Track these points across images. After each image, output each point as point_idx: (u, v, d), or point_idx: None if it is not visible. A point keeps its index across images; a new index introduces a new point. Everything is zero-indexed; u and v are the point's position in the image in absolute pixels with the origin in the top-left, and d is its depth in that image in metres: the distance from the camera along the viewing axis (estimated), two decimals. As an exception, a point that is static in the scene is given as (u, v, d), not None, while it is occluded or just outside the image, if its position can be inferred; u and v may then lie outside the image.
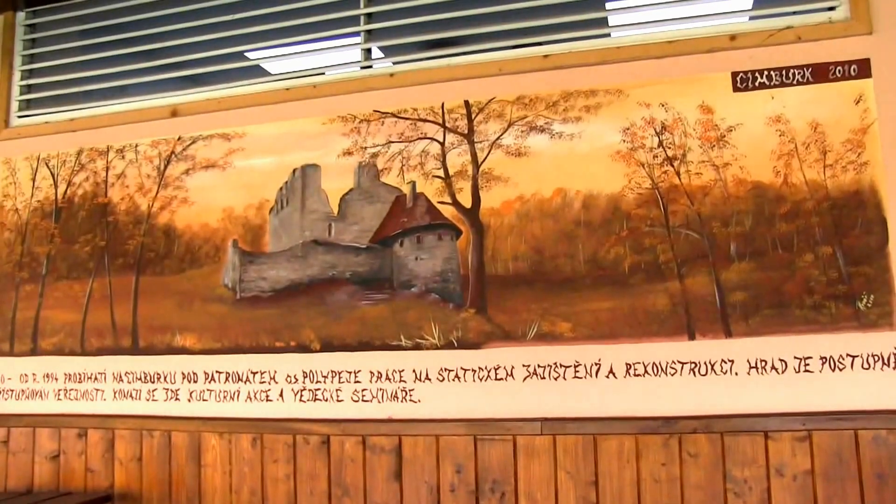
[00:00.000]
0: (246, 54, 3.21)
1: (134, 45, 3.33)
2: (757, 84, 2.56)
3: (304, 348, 2.87)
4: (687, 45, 2.66)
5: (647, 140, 2.64)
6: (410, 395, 2.74)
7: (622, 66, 2.70)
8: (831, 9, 2.56)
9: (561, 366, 2.60)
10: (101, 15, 3.39)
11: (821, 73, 2.52)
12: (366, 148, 2.93)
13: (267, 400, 2.89)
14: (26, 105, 3.47)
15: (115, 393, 3.08)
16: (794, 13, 2.60)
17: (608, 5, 2.84)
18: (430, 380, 2.72)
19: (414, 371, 2.74)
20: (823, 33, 2.54)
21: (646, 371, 2.53)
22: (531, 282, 2.68)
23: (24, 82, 3.47)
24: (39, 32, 3.51)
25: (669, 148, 2.61)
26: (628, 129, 2.65)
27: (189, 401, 2.98)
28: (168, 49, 3.29)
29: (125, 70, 3.34)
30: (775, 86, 2.55)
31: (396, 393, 2.75)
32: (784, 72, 2.55)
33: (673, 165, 2.60)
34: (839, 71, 2.50)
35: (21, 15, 3.51)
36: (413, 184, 2.86)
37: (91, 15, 3.41)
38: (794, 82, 2.54)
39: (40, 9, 3.48)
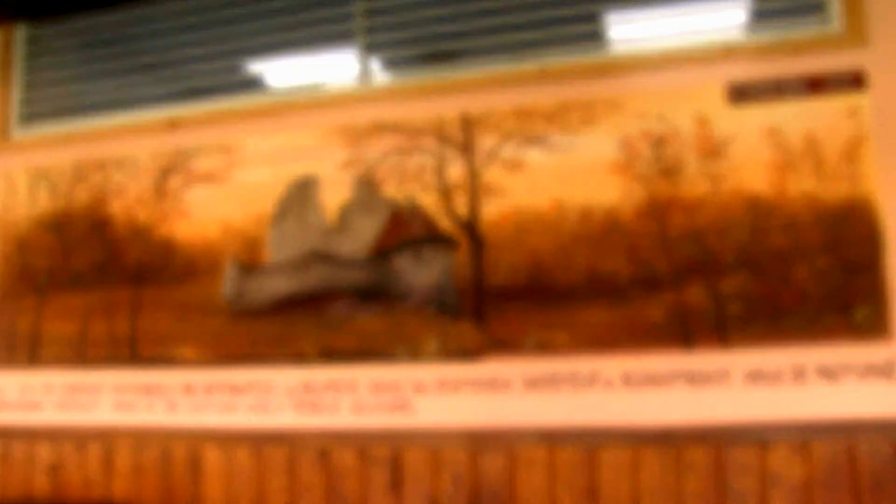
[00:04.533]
0: (245, 66, 3.23)
1: (133, 57, 3.34)
2: (752, 96, 2.58)
3: (302, 360, 2.88)
4: (682, 57, 2.68)
5: (643, 152, 2.65)
6: (408, 407, 2.75)
7: (618, 79, 2.72)
8: (826, 21, 2.58)
9: (559, 377, 2.61)
10: (101, 28, 3.40)
11: (816, 85, 2.54)
12: (364, 160, 2.95)
13: (265, 412, 2.90)
14: (26, 118, 3.47)
15: (113, 405, 3.08)
16: (789, 25, 2.62)
17: (605, 18, 2.86)
18: (427, 391, 2.73)
19: (412, 383, 2.75)
20: (818, 45, 2.56)
21: (644, 382, 2.55)
22: (529, 294, 2.68)
23: (23, 95, 3.47)
24: (39, 45, 3.52)
25: (665, 160, 2.63)
26: (625, 141, 2.67)
27: (188, 412, 2.99)
28: (167, 62, 3.31)
29: (124, 83, 3.35)
30: (771, 98, 2.57)
31: (394, 404, 2.76)
32: (779, 83, 2.57)
33: (669, 177, 2.62)
34: (834, 83, 2.52)
35: (20, 28, 3.51)
36: (410, 197, 2.87)
37: (90, 28, 3.42)
38: (790, 94, 2.56)
39: (40, 22, 3.49)
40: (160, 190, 3.18)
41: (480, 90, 2.86)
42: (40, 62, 3.51)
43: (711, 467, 2.43)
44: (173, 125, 3.21)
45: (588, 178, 2.68)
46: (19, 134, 3.47)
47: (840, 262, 2.44)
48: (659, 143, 2.64)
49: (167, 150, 3.19)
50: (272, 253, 3.00)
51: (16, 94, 3.47)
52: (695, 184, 2.58)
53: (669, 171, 2.61)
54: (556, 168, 2.73)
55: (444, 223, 2.82)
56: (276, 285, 2.97)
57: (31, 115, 3.49)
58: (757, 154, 2.55)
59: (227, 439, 2.89)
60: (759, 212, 2.52)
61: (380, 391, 2.78)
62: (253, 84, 3.22)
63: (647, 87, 2.68)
